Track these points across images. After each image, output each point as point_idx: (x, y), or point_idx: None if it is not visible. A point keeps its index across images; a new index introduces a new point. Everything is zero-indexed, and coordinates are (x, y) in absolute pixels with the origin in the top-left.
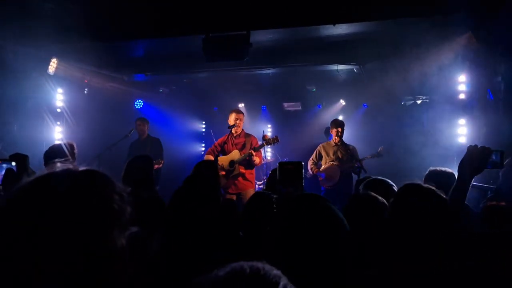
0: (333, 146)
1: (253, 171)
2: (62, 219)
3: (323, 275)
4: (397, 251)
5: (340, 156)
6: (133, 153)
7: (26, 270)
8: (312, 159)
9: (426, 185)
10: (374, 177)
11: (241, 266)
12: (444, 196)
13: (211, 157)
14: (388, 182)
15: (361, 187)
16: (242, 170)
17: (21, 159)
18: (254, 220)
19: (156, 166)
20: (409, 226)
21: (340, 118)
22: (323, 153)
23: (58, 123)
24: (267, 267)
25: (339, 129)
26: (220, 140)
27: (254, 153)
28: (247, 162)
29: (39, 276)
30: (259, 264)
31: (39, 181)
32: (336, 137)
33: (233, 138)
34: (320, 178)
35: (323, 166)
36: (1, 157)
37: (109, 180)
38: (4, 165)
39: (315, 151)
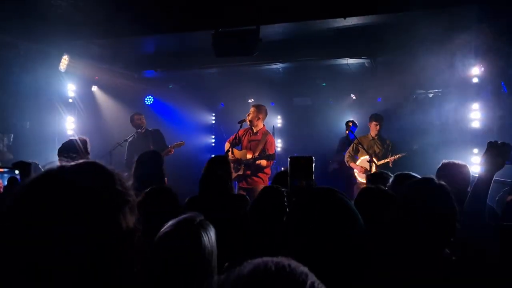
0: (370, 140)
1: (268, 170)
2: (69, 210)
3: (339, 269)
4: None
5: (376, 151)
6: (134, 148)
7: (39, 262)
8: (349, 151)
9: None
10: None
11: (265, 264)
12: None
13: (228, 145)
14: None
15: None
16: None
17: (25, 167)
18: (264, 215)
19: (168, 154)
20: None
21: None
22: (360, 147)
23: (72, 119)
24: (293, 263)
25: (378, 123)
26: (241, 131)
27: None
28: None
29: (52, 266)
30: (285, 261)
31: (36, 181)
32: (374, 131)
33: (251, 134)
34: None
35: (357, 161)
36: (9, 154)
37: (107, 168)
38: (6, 175)
39: (352, 144)
